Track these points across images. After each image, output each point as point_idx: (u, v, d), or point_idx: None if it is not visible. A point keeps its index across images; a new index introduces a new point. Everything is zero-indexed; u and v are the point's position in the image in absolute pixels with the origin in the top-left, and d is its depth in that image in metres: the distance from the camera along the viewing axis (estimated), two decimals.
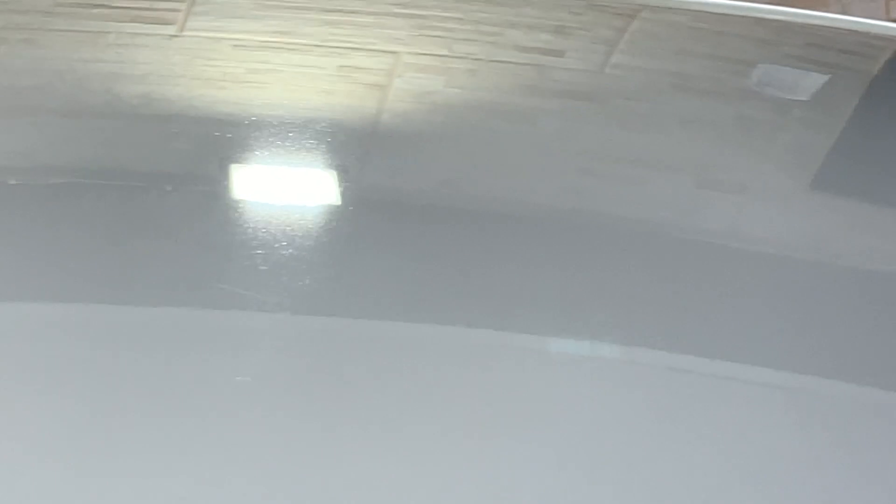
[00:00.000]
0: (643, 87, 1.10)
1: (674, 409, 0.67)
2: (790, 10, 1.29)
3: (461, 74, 1.11)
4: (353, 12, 1.25)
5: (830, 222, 0.90)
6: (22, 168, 0.90)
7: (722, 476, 0.63)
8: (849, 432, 0.67)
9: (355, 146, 0.95)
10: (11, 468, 0.59)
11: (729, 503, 0.62)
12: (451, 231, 0.83)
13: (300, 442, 0.62)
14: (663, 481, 0.62)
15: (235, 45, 1.15)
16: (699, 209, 0.89)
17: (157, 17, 1.20)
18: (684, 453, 0.64)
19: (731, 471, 0.63)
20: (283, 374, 0.68)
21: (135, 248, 0.78)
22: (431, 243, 0.81)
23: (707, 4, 1.29)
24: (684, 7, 1.27)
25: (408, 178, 0.90)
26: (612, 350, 0.72)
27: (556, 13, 1.26)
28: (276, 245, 0.80)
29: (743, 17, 1.26)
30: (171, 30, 1.17)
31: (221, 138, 0.95)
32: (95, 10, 1.21)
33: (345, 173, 0.90)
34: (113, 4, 1.23)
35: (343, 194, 0.88)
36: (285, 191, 0.90)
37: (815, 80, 1.14)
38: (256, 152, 0.95)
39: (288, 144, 0.93)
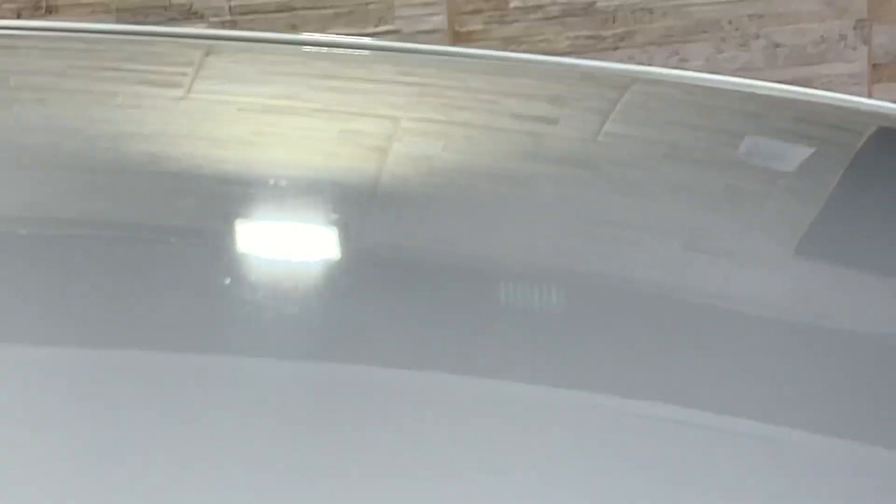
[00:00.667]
0: (634, 156, 1.11)
1: (664, 469, 0.65)
2: (777, 85, 1.31)
3: (459, 140, 1.12)
4: (354, 79, 1.29)
5: (814, 286, 0.90)
6: (32, 219, 0.90)
7: None
8: (841, 487, 0.66)
9: (355, 206, 0.95)
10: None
11: None
12: (445, 289, 0.83)
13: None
14: None
15: (240, 109, 1.17)
16: (687, 273, 0.90)
17: (165, 80, 1.24)
18: None
19: None
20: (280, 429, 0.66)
21: (139, 301, 0.78)
22: (426, 301, 0.81)
23: (696, 78, 1.32)
24: (674, 80, 1.30)
25: (405, 237, 0.91)
26: (601, 409, 0.71)
27: (551, 84, 1.28)
28: (275, 298, 0.80)
29: (731, 90, 1.29)
30: (178, 92, 1.20)
31: (225, 196, 0.96)
32: (107, 74, 1.25)
33: (344, 232, 0.90)
34: (124, 68, 1.26)
35: (341, 253, 0.89)
36: (285, 248, 0.90)
37: (801, 152, 1.15)
38: (259, 210, 0.95)
39: (290, 203, 0.95)
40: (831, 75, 3.05)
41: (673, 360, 0.77)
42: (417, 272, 0.85)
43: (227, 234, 0.91)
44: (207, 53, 1.34)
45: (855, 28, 3.15)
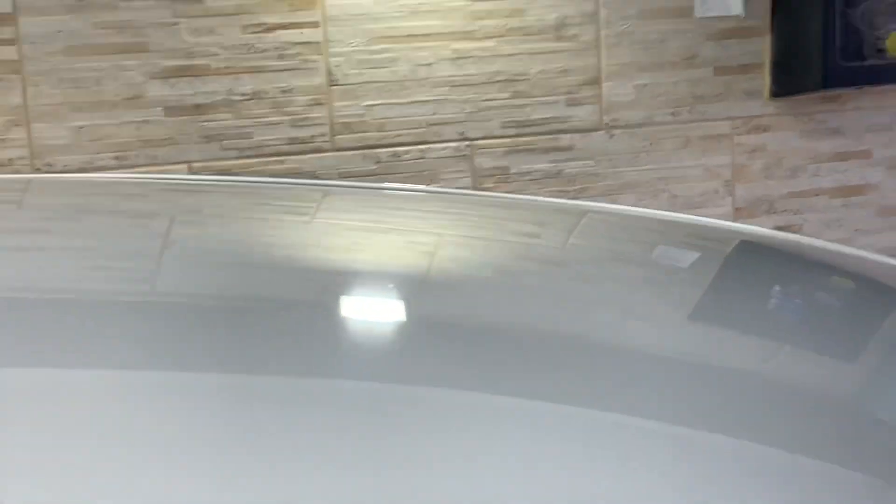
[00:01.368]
0: (588, 258, 1.11)
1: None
2: (677, 214, 1.32)
3: (479, 247, 1.12)
4: (412, 210, 1.32)
5: (700, 341, 0.85)
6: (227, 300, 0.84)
7: None
8: None
9: (416, 288, 0.94)
10: None
11: None
12: (475, 343, 0.78)
13: None
14: None
15: (346, 228, 1.18)
16: (619, 329, 0.86)
17: (296, 208, 1.27)
18: None
19: None
20: None
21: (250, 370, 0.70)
22: (456, 351, 0.76)
23: (624, 210, 1.36)
24: (612, 212, 1.33)
25: (449, 309, 0.88)
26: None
27: (535, 213, 1.30)
28: (363, 357, 0.75)
29: (647, 217, 1.32)
30: (305, 218, 1.23)
31: (332, 282, 0.94)
32: (259, 208, 1.24)
33: (409, 307, 0.88)
34: (272, 203, 1.27)
35: (405, 319, 0.86)
36: (368, 316, 0.87)
37: (691, 255, 1.14)
38: (352, 292, 0.93)
39: (374, 288, 0.94)
40: (710, 215, 3.09)
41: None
42: (455, 333, 0.81)
43: (332, 304, 0.88)
44: (325, 195, 1.35)
45: (724, 186, 3.20)
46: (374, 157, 2.99)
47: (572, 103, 3.08)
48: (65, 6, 2.79)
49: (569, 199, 2.87)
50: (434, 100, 3.01)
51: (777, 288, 1.02)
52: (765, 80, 3.18)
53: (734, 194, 3.16)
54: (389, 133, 3.00)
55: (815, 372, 0.78)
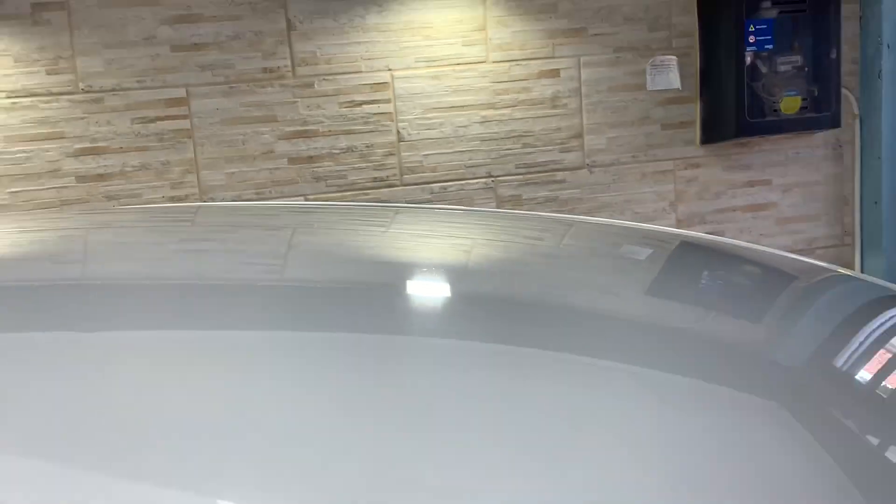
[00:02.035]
0: (576, 253, 1.06)
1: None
2: (637, 223, 1.27)
3: (503, 245, 1.03)
4: (456, 221, 1.21)
5: (652, 307, 0.75)
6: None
7: None
8: None
9: (463, 272, 0.86)
10: None
11: None
12: (493, 326, 0.65)
13: None
14: None
15: (412, 234, 1.09)
16: (596, 298, 0.79)
17: (378, 221, 1.12)
18: None
19: None
20: None
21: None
22: (475, 333, 0.64)
23: (601, 220, 1.32)
24: (592, 222, 1.26)
25: (490, 285, 0.80)
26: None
27: (539, 223, 1.24)
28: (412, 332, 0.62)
29: (617, 225, 1.26)
30: (383, 228, 1.09)
31: (406, 268, 0.85)
32: (352, 222, 1.12)
33: (461, 285, 0.79)
34: (361, 218, 1.14)
35: (463, 292, 0.76)
36: (435, 291, 0.76)
37: (647, 252, 1.07)
38: (421, 275, 0.83)
39: (436, 272, 0.84)
40: (660, 224, 3.06)
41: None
42: (484, 318, 0.69)
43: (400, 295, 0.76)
44: (397, 213, 1.25)
45: (669, 205, 3.15)
46: (429, 189, 3.00)
47: (564, 150, 3.06)
48: (220, 91, 2.85)
49: (562, 214, 2.84)
50: (469, 150, 3.02)
51: (706, 272, 0.99)
52: (696, 132, 3.14)
53: (677, 211, 3.13)
54: (439, 173, 3.01)
55: (728, 328, 0.75)
